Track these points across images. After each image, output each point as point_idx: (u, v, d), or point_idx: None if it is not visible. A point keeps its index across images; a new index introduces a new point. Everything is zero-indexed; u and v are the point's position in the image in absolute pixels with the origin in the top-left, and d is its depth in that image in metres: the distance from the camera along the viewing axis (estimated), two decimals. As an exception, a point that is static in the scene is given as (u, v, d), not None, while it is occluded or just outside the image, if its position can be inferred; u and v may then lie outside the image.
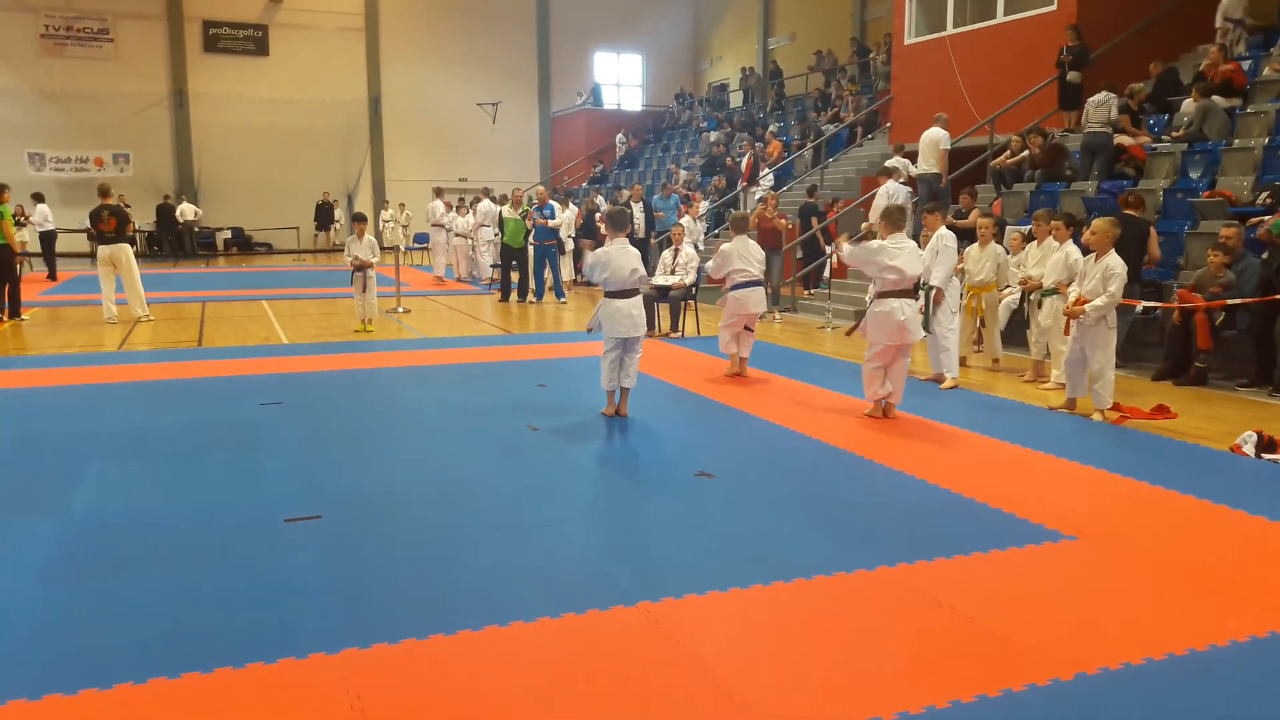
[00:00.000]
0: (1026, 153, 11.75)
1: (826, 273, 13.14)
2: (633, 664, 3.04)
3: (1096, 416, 6.50)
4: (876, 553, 3.96)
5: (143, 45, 25.10)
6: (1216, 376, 7.76)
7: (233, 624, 3.29)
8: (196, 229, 24.80)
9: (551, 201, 14.68)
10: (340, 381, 8.01)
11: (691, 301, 11.09)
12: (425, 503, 4.73)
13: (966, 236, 9.52)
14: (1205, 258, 8.00)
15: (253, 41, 26.23)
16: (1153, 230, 8.24)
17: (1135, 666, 3.00)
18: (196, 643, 3.14)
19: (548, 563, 3.91)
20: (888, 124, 16.69)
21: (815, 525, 4.39)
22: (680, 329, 10.90)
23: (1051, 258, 7.63)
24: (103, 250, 11.56)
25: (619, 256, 6.41)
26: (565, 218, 15.07)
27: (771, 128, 20.64)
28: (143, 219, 23.47)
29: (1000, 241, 8.92)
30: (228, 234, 26.34)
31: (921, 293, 7.73)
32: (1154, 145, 10.72)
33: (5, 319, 11.46)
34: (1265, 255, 7.67)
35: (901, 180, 12.81)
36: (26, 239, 17.28)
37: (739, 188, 17.50)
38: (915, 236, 8.45)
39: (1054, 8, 12.87)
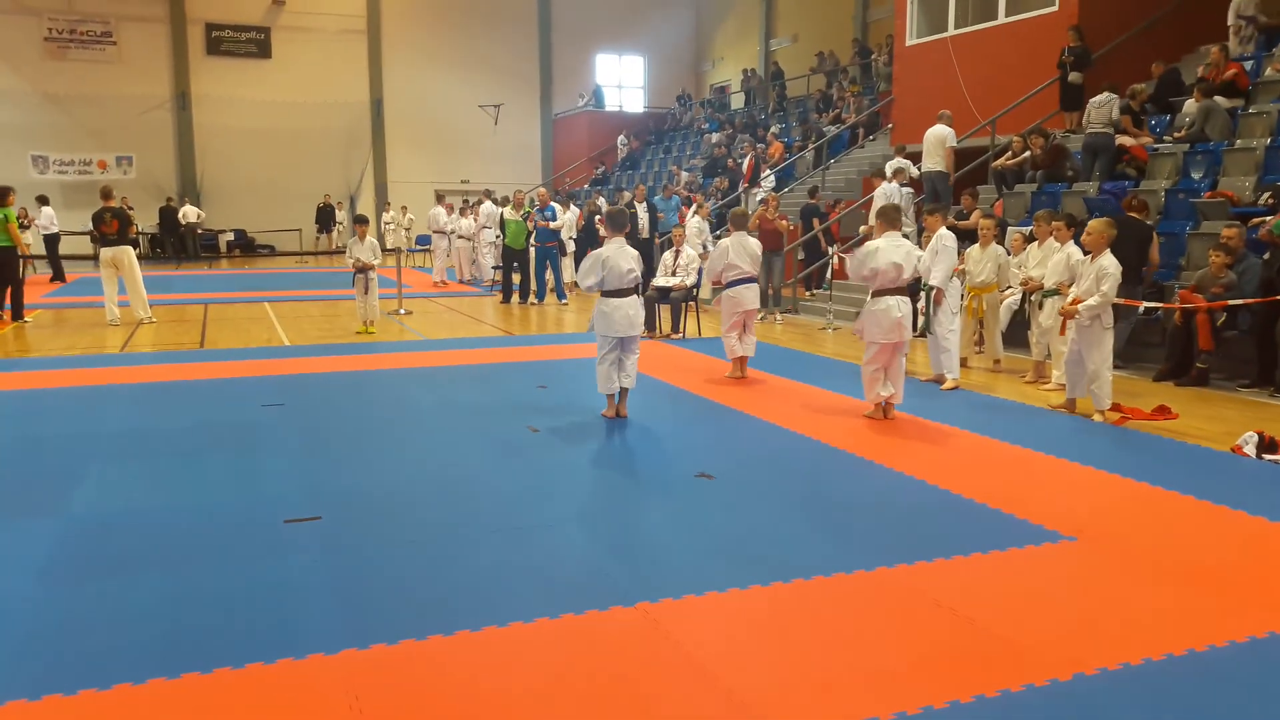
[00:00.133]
0: (1028, 153, 11.74)
1: (828, 274, 13.13)
2: (631, 664, 3.04)
3: (1097, 417, 6.49)
4: (876, 553, 3.96)
5: (145, 48, 25.17)
6: (1218, 377, 7.75)
7: (232, 624, 3.29)
8: (199, 231, 24.85)
9: (553, 203, 14.69)
10: (341, 383, 8.02)
11: (692, 303, 11.09)
12: (425, 503, 4.73)
13: (968, 237, 9.52)
14: (1207, 258, 8.00)
15: (255, 44, 26.29)
16: (1155, 236, 8.24)
17: (1134, 667, 3.00)
18: (196, 643, 3.14)
19: (547, 563, 3.91)
20: (889, 125, 16.68)
21: (815, 526, 4.39)
22: (681, 330, 10.91)
23: (1053, 258, 7.63)
24: (105, 252, 11.59)
25: (616, 256, 6.42)
26: (567, 219, 15.09)
27: (773, 129, 20.64)
28: (145, 221, 23.52)
29: (1001, 242, 8.92)
30: (230, 236, 26.41)
31: (922, 293, 7.75)
32: (1156, 146, 10.71)
33: (7, 320, 11.49)
34: (1267, 256, 7.66)
35: (905, 181, 12.82)
36: (30, 241, 17.31)
37: (740, 189, 17.51)
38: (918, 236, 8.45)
39: (1055, 9, 12.87)
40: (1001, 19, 13.83)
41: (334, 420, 6.59)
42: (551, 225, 14.02)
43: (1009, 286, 8.52)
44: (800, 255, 13.79)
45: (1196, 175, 9.92)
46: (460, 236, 17.67)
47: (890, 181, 12.71)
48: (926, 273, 7.56)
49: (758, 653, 3.12)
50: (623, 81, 30.96)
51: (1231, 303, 7.45)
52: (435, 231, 18.53)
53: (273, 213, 26.01)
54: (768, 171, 17.51)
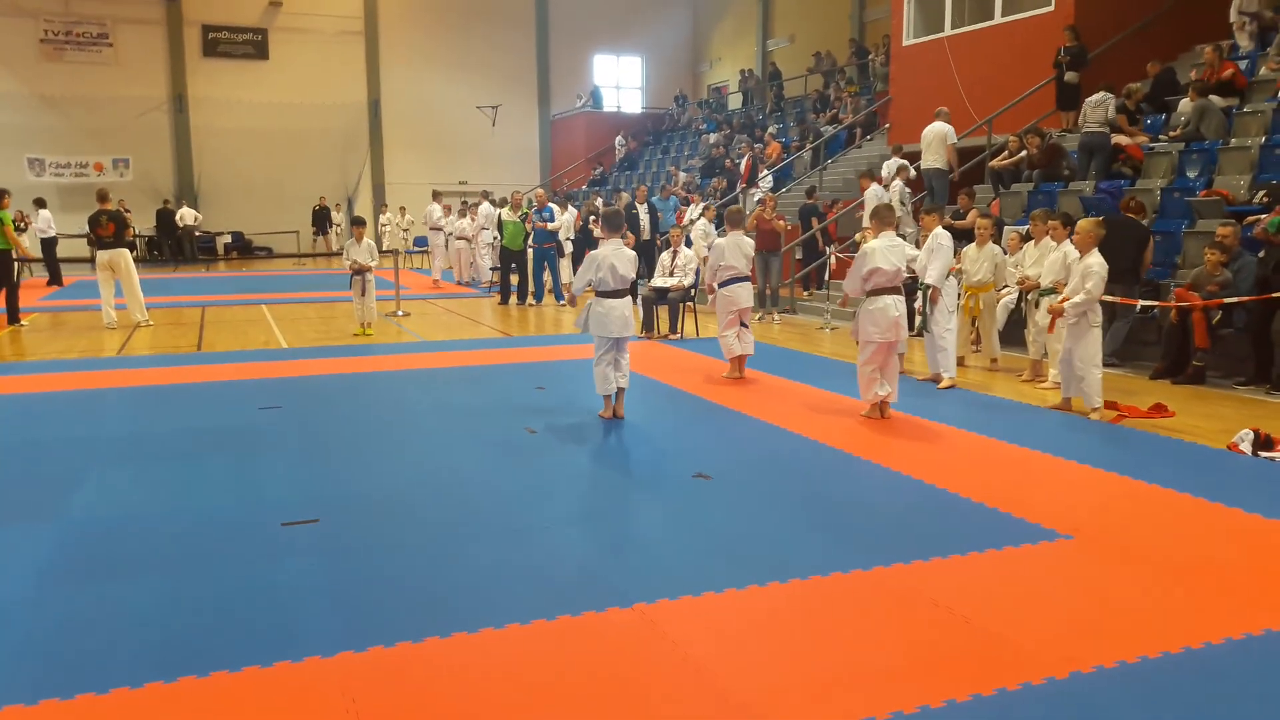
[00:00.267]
0: (1024, 153, 11.76)
1: (826, 274, 13.14)
2: (628, 666, 3.04)
3: (1094, 415, 6.50)
4: (873, 553, 3.96)
5: (142, 50, 25.15)
6: (1214, 375, 7.76)
7: (229, 628, 3.30)
8: (196, 233, 24.83)
9: (551, 204, 14.69)
10: (339, 385, 8.01)
11: (690, 303, 11.10)
12: (423, 505, 4.74)
13: (964, 237, 9.54)
14: (1202, 257, 8.01)
15: (252, 45, 26.27)
16: (1151, 239, 8.27)
17: (1130, 665, 3.01)
18: (193, 647, 3.14)
19: (544, 565, 3.91)
20: (886, 125, 16.70)
21: (812, 526, 4.39)
22: (679, 330, 10.91)
23: (1049, 257, 7.64)
24: (102, 255, 11.58)
25: (612, 257, 6.43)
26: (564, 220, 15.08)
27: (770, 129, 20.67)
28: (143, 223, 23.52)
29: (998, 242, 8.93)
30: (228, 238, 26.39)
31: (919, 292, 7.75)
32: (1151, 145, 10.72)
33: (3, 323, 11.48)
34: (1262, 254, 7.67)
35: (908, 179, 12.83)
36: (28, 244, 17.30)
37: (738, 189, 17.52)
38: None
39: (1051, 8, 12.88)
40: (998, 19, 13.85)
41: (332, 423, 6.59)
42: (549, 226, 14.03)
43: (1005, 286, 8.53)
44: (798, 255, 13.81)
45: (1192, 174, 9.94)
46: (458, 237, 17.67)
47: (895, 180, 12.75)
48: (922, 271, 7.58)
49: (755, 653, 3.12)
50: (620, 82, 30.97)
51: (1227, 301, 7.47)
52: (432, 228, 18.54)
53: (270, 215, 25.99)
54: (765, 172, 17.52)
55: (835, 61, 22.94)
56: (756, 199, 14.51)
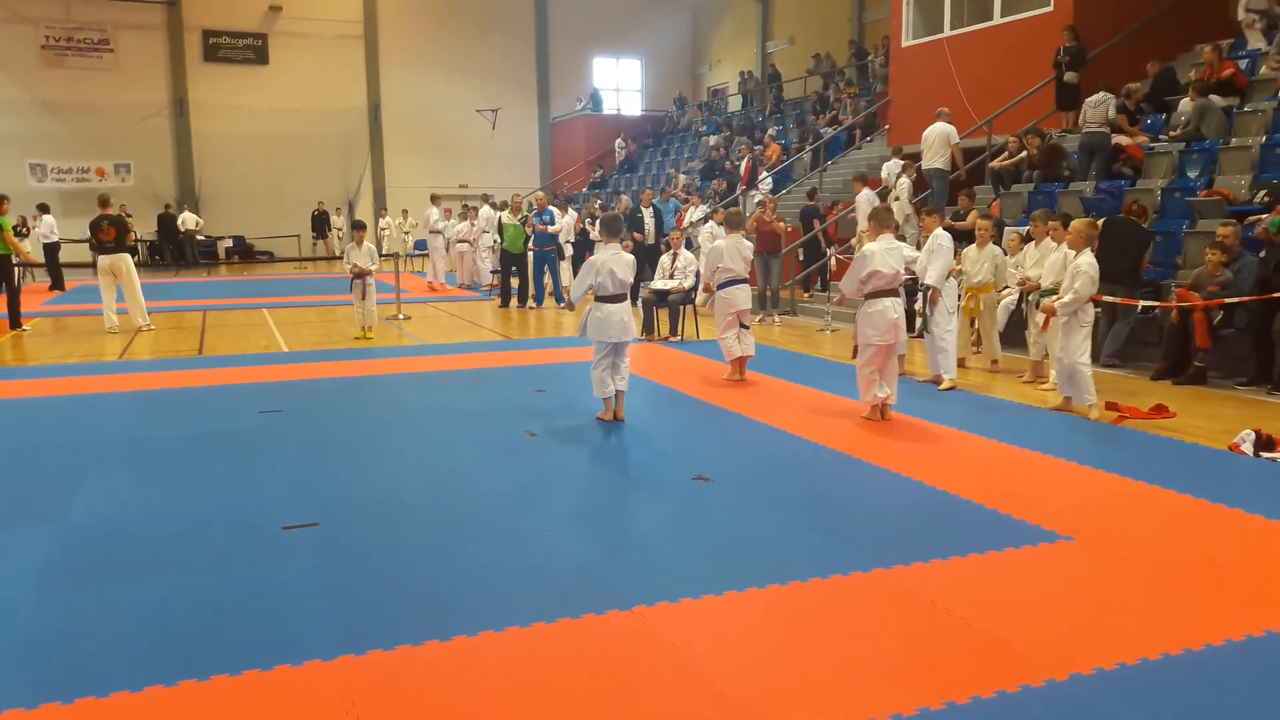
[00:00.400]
0: (1024, 153, 11.76)
1: (827, 275, 13.14)
2: (628, 668, 3.04)
3: (1095, 415, 6.49)
4: (872, 555, 3.96)
5: (143, 55, 25.19)
6: (1215, 375, 7.75)
7: (229, 631, 3.30)
8: (198, 238, 24.85)
9: (551, 207, 14.69)
10: (340, 388, 8.02)
11: (690, 306, 11.10)
12: (423, 508, 4.74)
13: (965, 238, 9.53)
14: (1203, 257, 8.01)
15: (253, 50, 26.31)
16: (1151, 242, 8.27)
17: (1131, 667, 3.00)
18: (193, 650, 3.14)
19: (544, 567, 3.91)
20: (886, 126, 16.70)
21: (812, 528, 4.39)
22: (679, 333, 10.91)
23: (1049, 258, 7.64)
24: (103, 260, 11.59)
25: (611, 262, 6.43)
26: (564, 223, 15.10)
27: (770, 131, 20.67)
28: (144, 228, 23.54)
29: (998, 242, 8.92)
30: (229, 243, 26.40)
31: (919, 293, 7.76)
32: (1151, 145, 10.72)
33: (4, 328, 11.49)
34: (1263, 253, 7.67)
35: (913, 177, 12.84)
36: (30, 249, 17.32)
37: (738, 191, 17.52)
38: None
39: (1050, 9, 12.88)
40: (997, 19, 13.85)
41: (332, 426, 6.60)
42: (549, 229, 14.03)
43: (1006, 286, 8.53)
44: (800, 256, 13.81)
45: (1192, 174, 9.94)
46: (459, 240, 17.68)
47: (901, 177, 12.77)
48: (923, 272, 7.57)
49: (754, 655, 3.12)
50: (620, 85, 30.98)
51: (1228, 301, 7.46)
52: (431, 231, 18.56)
53: (271, 219, 26.01)
54: (765, 173, 17.52)
55: (835, 63, 22.94)
56: (756, 201, 14.51)
